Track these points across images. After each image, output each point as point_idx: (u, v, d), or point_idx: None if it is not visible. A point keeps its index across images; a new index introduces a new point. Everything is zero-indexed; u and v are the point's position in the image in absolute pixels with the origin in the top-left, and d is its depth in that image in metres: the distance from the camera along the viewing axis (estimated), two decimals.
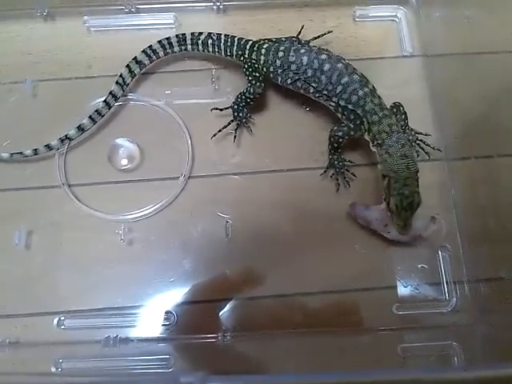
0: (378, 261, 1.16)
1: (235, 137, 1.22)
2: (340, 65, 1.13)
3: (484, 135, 1.17)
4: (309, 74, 1.15)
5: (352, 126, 1.13)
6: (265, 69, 1.20)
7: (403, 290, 1.13)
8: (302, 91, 1.19)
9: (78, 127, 1.19)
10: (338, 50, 1.31)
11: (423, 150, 1.20)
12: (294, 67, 1.16)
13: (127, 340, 1.08)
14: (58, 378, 1.05)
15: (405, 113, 1.18)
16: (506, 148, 1.14)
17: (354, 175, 1.18)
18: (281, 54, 1.17)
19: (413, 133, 1.20)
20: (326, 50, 1.17)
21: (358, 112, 1.11)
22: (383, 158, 1.07)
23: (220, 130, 1.21)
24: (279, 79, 1.19)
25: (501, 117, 1.15)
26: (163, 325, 1.10)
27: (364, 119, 1.11)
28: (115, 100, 1.22)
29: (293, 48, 1.17)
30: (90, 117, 1.19)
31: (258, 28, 1.34)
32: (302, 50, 1.16)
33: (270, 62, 1.18)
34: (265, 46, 1.20)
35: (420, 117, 1.24)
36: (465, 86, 1.23)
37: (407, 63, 1.33)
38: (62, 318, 1.10)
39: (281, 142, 1.24)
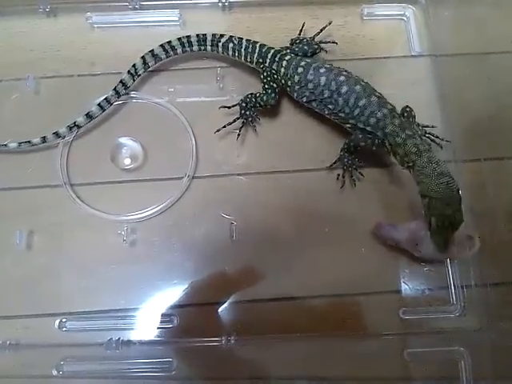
0: (384, 264, 1.14)
1: (239, 135, 1.20)
2: (358, 87, 1.09)
3: (494, 136, 1.16)
4: (325, 95, 1.12)
5: (376, 142, 1.10)
6: (283, 81, 1.17)
7: (409, 294, 1.11)
8: (317, 110, 1.17)
9: (86, 114, 1.17)
10: (344, 48, 1.31)
11: (434, 142, 1.18)
12: (311, 86, 1.13)
13: (129, 343, 1.06)
14: (59, 381, 1.04)
15: (414, 116, 1.15)
16: None
17: (361, 175, 1.16)
18: (300, 69, 1.14)
19: (420, 127, 1.18)
20: (346, 71, 1.13)
21: (379, 134, 1.09)
22: (419, 179, 1.03)
23: (225, 126, 1.19)
24: (295, 95, 1.17)
25: (510, 118, 1.13)
26: (166, 327, 1.09)
27: (386, 141, 1.09)
28: (125, 89, 1.21)
29: (313, 65, 1.14)
30: (99, 104, 1.18)
31: (264, 26, 1.32)
32: (322, 70, 1.13)
33: (289, 76, 1.16)
34: (286, 58, 1.17)
35: (428, 117, 1.21)
36: (474, 87, 1.21)
37: (415, 63, 1.30)
38: (64, 320, 1.09)
39: (286, 143, 1.22)
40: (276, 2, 1.34)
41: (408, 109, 1.15)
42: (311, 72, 1.13)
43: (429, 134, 1.18)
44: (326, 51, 1.27)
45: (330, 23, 1.26)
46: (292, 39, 1.25)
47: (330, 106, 1.13)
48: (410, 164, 1.05)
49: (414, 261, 1.13)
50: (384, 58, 1.30)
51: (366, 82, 1.12)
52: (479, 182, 1.14)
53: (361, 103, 1.09)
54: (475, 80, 1.22)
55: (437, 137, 1.19)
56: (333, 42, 1.26)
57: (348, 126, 1.14)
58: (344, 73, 1.13)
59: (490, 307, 1.08)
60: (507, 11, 1.19)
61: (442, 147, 1.19)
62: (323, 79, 1.12)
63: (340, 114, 1.13)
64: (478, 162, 1.17)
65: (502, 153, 1.15)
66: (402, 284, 1.12)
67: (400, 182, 1.19)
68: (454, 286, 1.11)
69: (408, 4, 1.34)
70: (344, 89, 1.10)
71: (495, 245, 1.09)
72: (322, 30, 1.26)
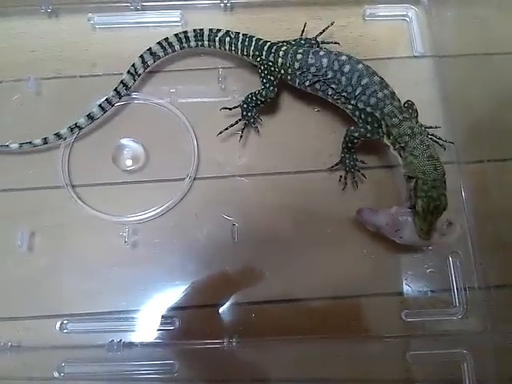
0: (386, 266, 1.14)
1: (241, 136, 1.19)
2: (360, 66, 1.11)
3: (497, 138, 1.15)
4: (329, 76, 1.12)
5: (369, 128, 1.11)
6: (282, 71, 1.17)
7: (412, 296, 1.11)
8: (320, 93, 1.17)
9: (87, 115, 1.17)
10: (347, 49, 1.29)
11: (437, 143, 1.18)
12: (313, 69, 1.13)
13: (131, 344, 1.06)
14: (60, 383, 1.04)
15: (416, 111, 1.16)
16: None
17: (364, 176, 1.16)
18: (299, 56, 1.15)
19: (423, 128, 1.17)
20: (345, 53, 1.14)
21: (376, 115, 1.09)
22: (408, 160, 1.04)
23: (227, 128, 1.19)
24: (297, 81, 1.17)
25: None
26: (167, 329, 1.08)
27: (382, 122, 1.09)
28: (126, 89, 1.21)
29: (312, 51, 1.15)
30: (100, 105, 1.18)
31: (266, 26, 1.32)
32: (321, 53, 1.14)
33: (288, 65, 1.16)
34: (283, 49, 1.17)
35: (431, 118, 1.21)
36: (477, 88, 1.21)
37: (418, 64, 1.30)
38: (65, 322, 1.08)
39: (288, 144, 1.22)
40: (277, 3, 1.34)
41: (410, 102, 1.16)
42: (311, 56, 1.14)
43: (432, 135, 1.18)
44: None
45: (332, 24, 1.25)
46: (294, 40, 1.24)
47: (333, 86, 1.13)
48: (402, 145, 1.05)
49: (416, 262, 1.13)
50: (386, 58, 1.30)
51: (367, 64, 1.12)
52: (482, 183, 1.13)
53: (363, 82, 1.10)
54: (478, 81, 1.21)
55: (440, 138, 1.18)
56: (335, 43, 1.26)
57: (349, 107, 1.14)
58: (344, 54, 1.14)
59: (493, 309, 1.08)
60: (510, 12, 1.18)
61: (445, 148, 1.19)
62: (325, 61, 1.13)
63: (343, 94, 1.12)
64: (481, 163, 1.16)
65: (505, 154, 1.14)
66: (405, 286, 1.11)
67: (402, 183, 1.18)
68: (457, 288, 1.11)
69: (410, 5, 1.34)
70: (347, 67, 1.11)
71: (498, 247, 1.09)
72: (324, 31, 1.25)
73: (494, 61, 1.19)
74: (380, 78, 1.11)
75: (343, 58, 1.12)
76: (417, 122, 1.16)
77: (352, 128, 1.13)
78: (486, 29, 1.20)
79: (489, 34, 1.19)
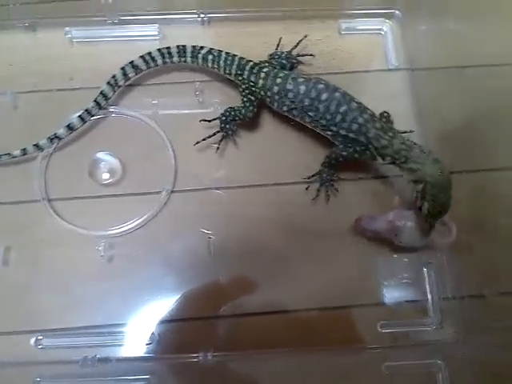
0: (363, 277, 1.15)
1: (218, 148, 1.20)
2: (337, 94, 1.11)
3: (469, 149, 1.17)
4: (306, 103, 1.13)
5: (358, 149, 1.12)
6: (262, 92, 1.18)
7: (388, 307, 1.12)
8: (297, 119, 1.18)
9: (67, 126, 1.17)
10: (323, 63, 1.32)
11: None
12: (291, 95, 1.14)
13: (106, 360, 1.05)
14: None
15: (392, 122, 1.19)
16: (492, 162, 1.13)
17: (336, 190, 1.18)
18: (279, 80, 1.15)
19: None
20: (323, 80, 1.15)
21: (362, 140, 1.10)
22: (414, 168, 1.06)
23: (204, 139, 1.19)
24: (275, 105, 1.18)
25: (486, 131, 1.15)
26: (144, 343, 1.08)
27: (370, 145, 1.10)
28: (106, 100, 1.21)
29: (292, 76, 1.15)
30: (80, 116, 1.18)
31: (244, 40, 1.33)
32: (300, 79, 1.14)
33: (267, 87, 1.16)
34: (264, 70, 1.18)
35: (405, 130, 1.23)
36: (450, 100, 1.23)
37: (393, 77, 1.32)
38: (40, 337, 1.07)
39: (267, 156, 1.23)
40: (254, 17, 1.35)
41: (386, 114, 1.19)
42: (290, 82, 1.14)
43: None
44: (304, 63, 1.28)
45: (305, 36, 1.27)
46: (270, 54, 1.26)
47: (310, 114, 1.14)
48: (403, 160, 1.07)
49: (393, 273, 1.14)
50: (362, 71, 1.32)
51: (345, 90, 1.14)
52: (455, 194, 1.14)
53: (342, 109, 1.10)
54: (452, 93, 1.23)
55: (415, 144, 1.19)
56: (310, 55, 1.28)
57: (329, 133, 1.15)
58: (322, 81, 1.14)
59: (467, 319, 1.09)
60: (483, 25, 1.21)
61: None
62: (303, 88, 1.13)
63: (321, 121, 1.13)
64: (453, 174, 1.18)
65: (477, 165, 1.16)
66: (381, 297, 1.12)
67: (382, 195, 1.20)
68: (432, 298, 1.12)
69: (385, 18, 1.36)
70: (324, 96, 1.11)
71: (470, 257, 1.10)
72: (298, 44, 1.27)
73: (467, 73, 1.21)
74: (357, 103, 1.11)
75: (320, 86, 1.12)
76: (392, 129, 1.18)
77: (341, 146, 1.13)
78: (459, 42, 1.22)
79: (462, 47, 1.21)
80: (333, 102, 1.11)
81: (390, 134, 1.10)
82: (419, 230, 1.09)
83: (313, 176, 1.18)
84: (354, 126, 1.10)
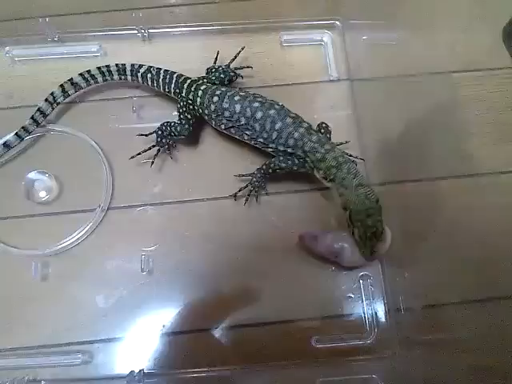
0: (301, 292, 1.13)
1: (153, 162, 1.19)
2: (272, 111, 1.10)
3: (408, 159, 1.16)
4: (242, 122, 1.12)
5: (297, 162, 1.12)
6: (200, 110, 1.18)
7: (324, 321, 1.10)
8: (237, 137, 1.17)
9: (3, 144, 1.17)
10: (265, 75, 1.32)
11: (352, 156, 1.19)
12: (227, 114, 1.13)
13: (35, 382, 1.04)
14: None
15: (330, 132, 1.18)
16: (427, 172, 1.12)
17: (257, 201, 1.18)
18: (215, 98, 1.14)
19: (338, 148, 1.17)
20: (261, 97, 1.14)
21: (299, 153, 1.10)
22: (340, 191, 1.05)
23: (139, 153, 1.19)
24: (213, 123, 1.18)
25: (422, 140, 1.14)
26: (77, 364, 1.07)
27: (307, 158, 1.10)
28: (43, 117, 1.21)
29: (228, 94, 1.14)
30: (17, 134, 1.18)
31: (184, 55, 1.33)
32: (237, 97, 1.13)
33: (205, 105, 1.16)
34: (202, 88, 1.17)
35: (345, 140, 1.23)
36: (389, 110, 1.22)
37: (333, 88, 1.31)
38: None
39: (204, 171, 1.22)
40: (195, 32, 1.35)
41: (324, 125, 1.18)
42: (226, 100, 1.14)
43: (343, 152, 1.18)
44: (243, 77, 1.27)
45: (242, 48, 1.27)
46: (208, 68, 1.26)
47: (247, 132, 1.14)
48: (332, 177, 1.07)
49: (332, 288, 1.13)
50: (303, 83, 1.31)
51: (281, 105, 1.13)
52: (391, 204, 1.12)
53: (277, 126, 1.10)
54: (391, 103, 1.22)
55: (351, 155, 1.19)
56: (247, 67, 1.27)
57: (270, 149, 1.15)
58: (259, 98, 1.13)
59: (403, 334, 1.07)
60: (422, 35, 1.20)
61: (363, 159, 1.21)
62: (238, 107, 1.12)
63: (259, 140, 1.13)
64: (391, 184, 1.17)
65: (415, 175, 1.15)
66: (318, 311, 1.11)
67: (321, 208, 1.19)
68: (368, 312, 1.11)
69: (325, 30, 1.36)
70: (259, 114, 1.11)
71: (405, 270, 1.09)
72: (236, 56, 1.27)
73: (407, 83, 1.20)
74: (292, 117, 1.11)
75: (256, 104, 1.11)
76: (329, 139, 1.17)
77: (281, 158, 1.13)
78: (398, 52, 1.22)
79: (401, 58, 1.21)
80: (267, 119, 1.10)
81: (327, 146, 1.09)
82: (358, 251, 1.06)
83: (243, 175, 1.17)
84: (291, 141, 1.10)
